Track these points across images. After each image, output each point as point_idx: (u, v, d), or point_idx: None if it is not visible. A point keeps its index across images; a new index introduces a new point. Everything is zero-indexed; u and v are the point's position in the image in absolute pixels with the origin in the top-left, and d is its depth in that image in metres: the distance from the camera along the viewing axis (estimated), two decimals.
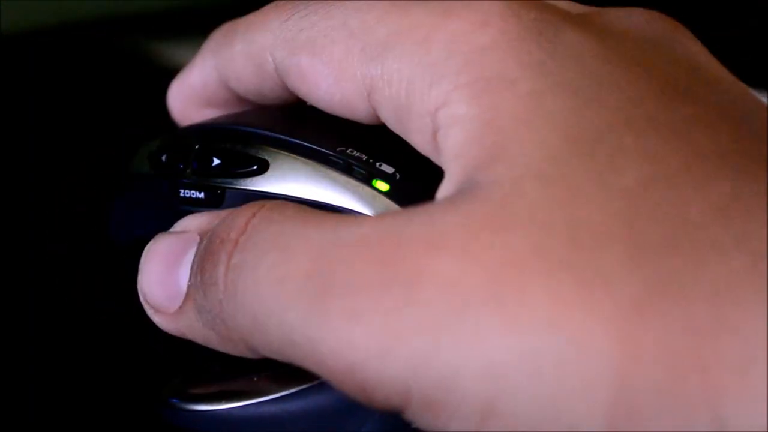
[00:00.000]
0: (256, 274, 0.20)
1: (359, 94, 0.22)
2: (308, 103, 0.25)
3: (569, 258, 0.17)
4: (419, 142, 0.21)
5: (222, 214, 0.22)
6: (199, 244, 0.22)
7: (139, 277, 0.23)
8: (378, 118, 0.22)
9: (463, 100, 0.20)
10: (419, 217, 0.19)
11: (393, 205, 0.22)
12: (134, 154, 0.27)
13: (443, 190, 0.20)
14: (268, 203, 0.21)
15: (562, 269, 0.17)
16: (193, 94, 0.27)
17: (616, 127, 0.19)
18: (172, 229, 0.23)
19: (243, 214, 0.21)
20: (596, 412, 0.17)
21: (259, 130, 0.24)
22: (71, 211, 0.40)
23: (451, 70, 0.20)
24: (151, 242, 0.23)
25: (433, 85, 0.20)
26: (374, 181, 0.22)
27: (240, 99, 0.26)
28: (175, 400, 0.24)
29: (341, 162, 0.23)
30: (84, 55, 0.60)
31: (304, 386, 0.23)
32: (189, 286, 0.22)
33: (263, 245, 0.20)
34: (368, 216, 0.20)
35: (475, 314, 0.18)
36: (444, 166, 0.20)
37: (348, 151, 0.23)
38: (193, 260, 0.22)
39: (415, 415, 0.18)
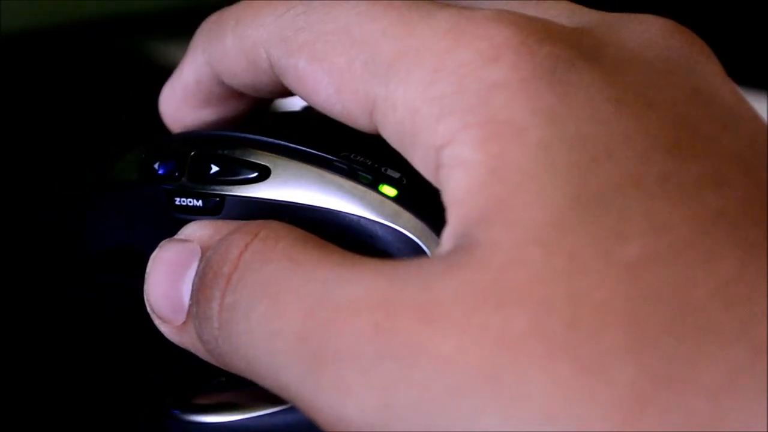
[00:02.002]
0: (248, 323, 0.20)
1: (361, 109, 0.21)
2: (306, 107, 0.24)
3: (568, 340, 0.17)
4: (422, 169, 0.20)
5: (223, 229, 0.22)
6: (199, 262, 0.22)
7: (146, 286, 0.22)
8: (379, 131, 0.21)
9: (469, 143, 0.19)
10: (414, 281, 0.18)
11: (402, 211, 0.22)
12: (115, 161, 0.27)
13: (443, 240, 0.19)
14: (261, 231, 0.21)
15: (561, 353, 0.17)
16: (187, 94, 0.26)
17: (624, 189, 0.18)
18: (177, 235, 0.23)
19: (235, 245, 0.21)
20: None
21: (257, 136, 0.24)
22: (45, 216, 0.40)
23: (459, 107, 0.19)
24: (157, 249, 0.22)
25: (441, 121, 0.19)
26: (381, 186, 0.22)
27: (237, 94, 0.25)
28: (177, 412, 0.24)
29: (346, 167, 0.22)
30: (84, 55, 0.60)
31: None
32: (189, 307, 0.22)
33: (255, 290, 0.20)
34: (361, 265, 0.19)
35: (470, 398, 0.17)
36: (446, 207, 0.20)
37: (352, 156, 0.23)
38: (192, 282, 0.22)
39: None
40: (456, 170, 0.19)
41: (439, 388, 0.17)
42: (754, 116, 0.21)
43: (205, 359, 0.22)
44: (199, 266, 0.22)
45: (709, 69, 0.21)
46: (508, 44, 0.20)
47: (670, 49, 0.21)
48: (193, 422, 0.24)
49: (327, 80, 0.21)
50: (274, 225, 0.21)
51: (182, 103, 0.26)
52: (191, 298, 0.21)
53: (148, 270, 0.23)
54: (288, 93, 0.24)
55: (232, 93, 0.25)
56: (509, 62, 0.19)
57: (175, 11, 0.63)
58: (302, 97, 0.22)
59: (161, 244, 0.23)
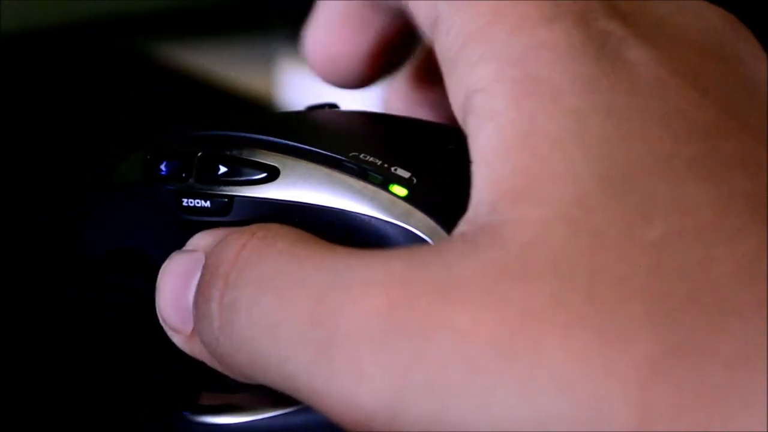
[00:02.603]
0: (251, 317, 0.19)
1: (426, 17, 0.21)
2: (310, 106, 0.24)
3: (588, 313, 0.17)
4: (454, 107, 0.20)
5: (224, 234, 0.21)
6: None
7: (156, 298, 0.22)
8: None
9: (504, 96, 0.19)
10: (432, 260, 0.18)
11: (413, 210, 0.21)
12: (118, 161, 0.27)
13: (472, 200, 0.19)
14: (259, 231, 0.21)
15: (581, 324, 0.17)
16: (342, 20, 0.25)
17: (654, 169, 0.18)
18: (185, 247, 0.23)
19: (232, 244, 0.21)
20: None
21: (265, 137, 0.24)
22: (46, 216, 0.40)
23: (504, 55, 0.19)
24: (166, 261, 0.22)
25: (481, 63, 0.20)
26: (391, 185, 0.22)
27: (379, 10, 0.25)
28: (187, 413, 0.24)
29: (355, 167, 0.22)
30: (84, 55, 0.60)
31: None
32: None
33: (257, 286, 0.20)
34: (372, 253, 0.19)
35: (487, 371, 0.17)
36: (472, 160, 0.19)
37: (361, 156, 0.22)
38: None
39: None
40: (487, 123, 0.19)
41: (455, 365, 0.17)
42: None
43: (214, 367, 0.21)
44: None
45: (758, 62, 0.21)
46: (569, 11, 0.20)
47: (723, 38, 0.21)
48: (203, 423, 0.23)
49: None
50: (273, 226, 0.21)
51: (339, 31, 0.25)
52: (192, 303, 0.21)
53: (157, 282, 0.22)
54: None
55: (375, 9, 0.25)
56: (564, 28, 0.19)
57: (175, 11, 0.63)
58: None
59: (171, 256, 0.22)
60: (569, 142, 0.18)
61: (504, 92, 0.19)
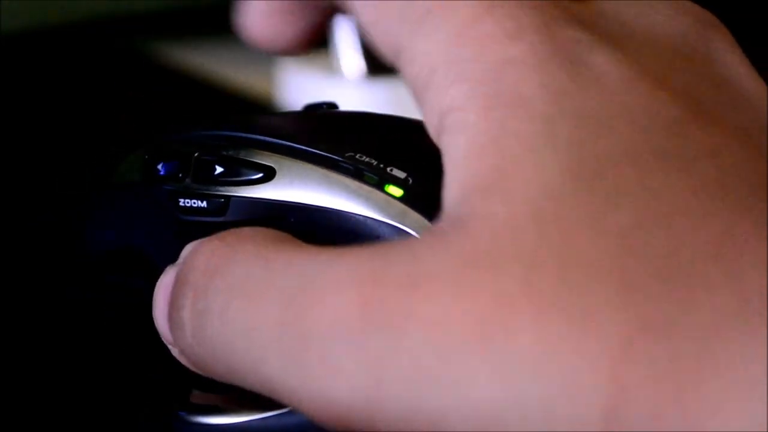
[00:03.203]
0: (222, 324, 0.19)
1: (389, 49, 0.21)
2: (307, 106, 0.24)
3: (559, 296, 0.17)
4: (428, 128, 0.21)
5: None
6: None
7: (153, 311, 0.22)
8: None
9: (475, 110, 0.19)
10: (401, 254, 0.18)
11: (408, 211, 0.21)
12: (117, 162, 0.27)
13: (443, 202, 0.19)
14: (228, 236, 0.21)
15: (552, 307, 0.17)
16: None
17: (621, 161, 0.18)
18: (179, 260, 0.23)
19: (202, 251, 0.21)
20: None
21: (262, 137, 0.24)
22: (46, 216, 0.40)
23: (473, 75, 0.20)
24: (162, 275, 0.22)
25: (452, 86, 0.20)
26: (386, 186, 0.22)
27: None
28: (183, 413, 0.24)
29: (351, 167, 0.22)
30: (84, 55, 0.60)
31: None
32: None
33: (227, 292, 0.20)
34: (340, 251, 0.19)
35: (461, 360, 0.17)
36: (445, 170, 0.20)
37: (357, 157, 0.22)
38: None
39: None
40: (458, 135, 0.19)
41: (429, 355, 0.17)
42: None
43: (204, 375, 0.21)
44: None
45: (729, 57, 0.21)
46: (532, 24, 0.20)
47: (691, 36, 0.21)
48: (199, 424, 0.24)
49: (369, 8, 0.21)
50: (244, 229, 0.21)
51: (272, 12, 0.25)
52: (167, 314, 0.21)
53: (154, 296, 0.22)
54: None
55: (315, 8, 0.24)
56: (529, 41, 0.20)
57: (175, 11, 0.63)
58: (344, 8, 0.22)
59: (165, 270, 0.22)
60: (538, 142, 0.19)
61: (474, 107, 0.19)
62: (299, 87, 0.55)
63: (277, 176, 0.23)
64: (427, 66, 0.20)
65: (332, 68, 0.49)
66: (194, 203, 0.24)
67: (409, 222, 0.21)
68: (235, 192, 0.23)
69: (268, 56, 0.59)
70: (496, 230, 0.18)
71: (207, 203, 0.23)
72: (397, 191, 0.22)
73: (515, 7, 0.20)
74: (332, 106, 0.26)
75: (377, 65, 0.40)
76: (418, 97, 0.21)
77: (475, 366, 0.17)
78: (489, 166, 0.19)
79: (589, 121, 0.19)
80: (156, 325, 0.22)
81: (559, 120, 0.19)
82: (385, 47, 0.21)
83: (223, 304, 0.20)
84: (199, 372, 0.21)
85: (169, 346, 0.22)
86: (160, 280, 0.22)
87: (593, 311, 0.17)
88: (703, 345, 0.17)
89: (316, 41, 0.26)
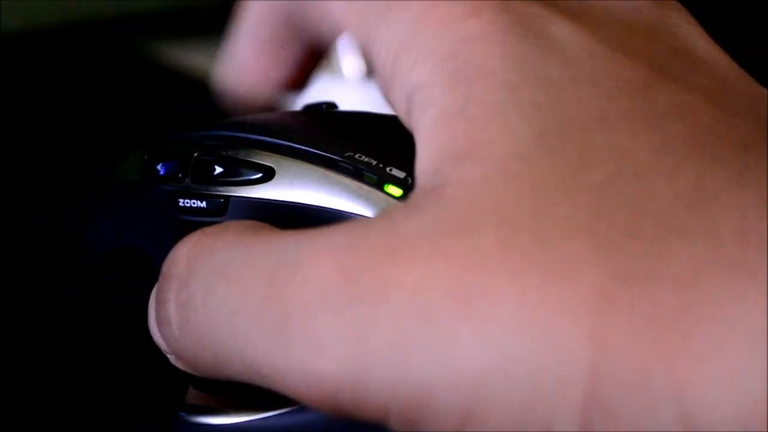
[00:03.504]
0: (207, 309, 0.19)
1: (360, 44, 0.22)
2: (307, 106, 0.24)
3: (535, 253, 0.17)
4: (398, 113, 0.21)
5: None
6: None
7: (149, 317, 0.22)
8: None
9: (440, 85, 0.20)
10: (378, 224, 0.18)
11: None
12: (117, 162, 0.27)
13: (416, 175, 0.20)
14: (207, 230, 0.21)
15: (529, 266, 0.17)
16: (262, 39, 0.26)
17: (588, 124, 0.19)
18: None
19: (183, 245, 0.21)
20: (571, 412, 0.17)
21: (261, 137, 0.24)
22: (45, 217, 0.40)
23: (435, 54, 0.20)
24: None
25: (416, 66, 0.20)
26: (386, 186, 0.22)
27: (301, 37, 0.26)
28: (182, 413, 0.24)
29: (351, 167, 0.22)
30: (84, 55, 0.60)
31: None
32: None
33: (210, 278, 0.20)
34: (320, 229, 0.19)
35: (443, 323, 0.17)
36: (416, 145, 0.20)
37: (357, 156, 0.22)
38: None
39: (395, 427, 0.18)
40: (426, 110, 0.20)
41: (412, 321, 0.17)
42: (735, 67, 0.21)
43: (194, 372, 0.21)
44: None
45: (690, 31, 0.22)
46: (488, 1, 0.20)
47: (651, 12, 0.22)
48: (199, 424, 0.23)
49: (340, 10, 0.22)
50: (226, 222, 0.21)
51: (260, 52, 0.26)
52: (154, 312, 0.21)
53: (149, 301, 0.22)
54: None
55: (297, 35, 0.26)
56: (488, 17, 0.20)
57: (175, 11, 0.63)
58: (318, 18, 0.23)
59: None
60: (505, 109, 0.19)
61: (439, 82, 0.20)
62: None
63: (276, 176, 0.23)
64: (391, 54, 0.21)
65: (332, 68, 0.49)
66: (194, 203, 0.24)
67: None
68: (235, 192, 0.23)
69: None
70: (470, 194, 0.18)
71: (206, 203, 0.23)
72: (396, 191, 0.22)
73: None
74: (332, 106, 0.26)
75: None
76: (386, 86, 0.21)
77: (456, 329, 0.17)
78: (458, 135, 0.19)
79: (552, 87, 0.19)
80: (150, 330, 0.22)
81: (522, 87, 0.19)
82: (358, 46, 0.22)
83: (205, 291, 0.20)
84: (189, 369, 0.21)
85: (165, 353, 0.22)
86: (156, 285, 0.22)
87: (570, 266, 0.17)
88: (681, 296, 0.17)
89: (303, 80, 0.26)
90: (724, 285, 0.17)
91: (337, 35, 0.23)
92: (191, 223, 0.23)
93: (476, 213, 0.18)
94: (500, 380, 0.17)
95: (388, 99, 0.21)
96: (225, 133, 0.24)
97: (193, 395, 0.24)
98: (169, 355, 0.22)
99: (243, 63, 0.27)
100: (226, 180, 0.23)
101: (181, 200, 0.24)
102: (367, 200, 0.22)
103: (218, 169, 0.23)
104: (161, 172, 0.24)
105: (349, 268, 0.18)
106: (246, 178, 0.23)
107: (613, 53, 0.20)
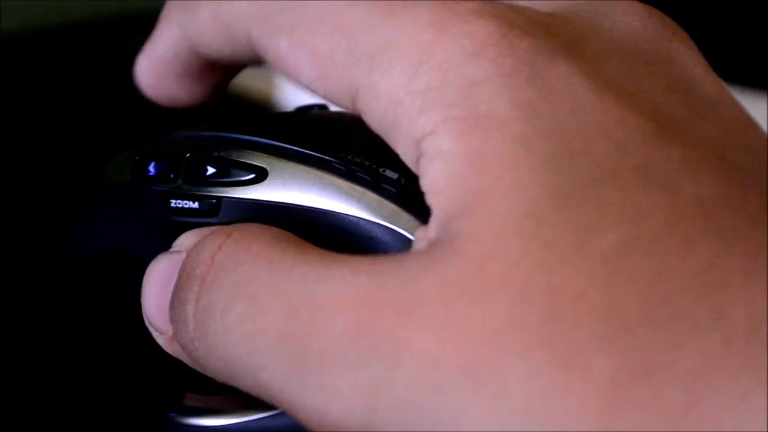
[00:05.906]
0: (225, 323, 0.20)
1: (345, 96, 0.21)
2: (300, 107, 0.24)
3: (546, 332, 0.17)
4: (404, 158, 0.21)
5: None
6: None
7: (142, 299, 0.23)
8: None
9: (449, 135, 0.19)
10: (396, 276, 0.18)
11: (400, 212, 0.21)
12: (105, 163, 0.26)
13: (426, 232, 0.19)
14: (234, 232, 0.21)
15: (539, 346, 0.17)
16: (167, 67, 0.26)
17: (600, 180, 0.18)
18: (171, 248, 0.23)
19: (208, 246, 0.21)
20: None
21: (253, 138, 0.23)
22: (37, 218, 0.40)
23: (441, 101, 0.19)
24: (153, 262, 0.22)
25: (422, 114, 0.20)
26: (379, 186, 0.22)
27: (218, 65, 0.25)
28: (174, 415, 0.24)
29: (343, 168, 0.22)
30: (84, 55, 0.60)
31: None
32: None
33: (231, 291, 0.20)
34: (339, 261, 0.19)
35: (453, 397, 0.17)
36: (426, 197, 0.20)
37: (350, 157, 0.22)
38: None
39: None
40: (435, 161, 0.19)
41: (423, 388, 0.17)
42: (734, 104, 0.21)
43: (193, 367, 0.22)
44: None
45: (689, 58, 0.21)
46: (490, 40, 0.20)
47: (651, 38, 0.21)
48: (190, 425, 0.23)
49: (309, 65, 0.21)
50: (249, 226, 0.21)
51: (163, 75, 0.26)
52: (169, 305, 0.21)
53: (143, 282, 0.23)
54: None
55: (213, 64, 0.25)
56: (490, 58, 0.20)
57: None
58: (285, 75, 0.22)
59: (156, 257, 0.23)
60: (517, 162, 0.18)
61: (448, 132, 0.19)
62: (298, 87, 0.55)
63: (269, 177, 0.23)
64: (392, 100, 0.20)
65: None
66: (186, 204, 0.23)
67: (402, 223, 0.21)
68: (227, 193, 0.23)
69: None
70: (482, 252, 0.18)
71: (198, 204, 0.23)
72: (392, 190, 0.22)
73: (468, 22, 0.20)
74: (322, 107, 0.26)
75: None
76: (388, 132, 0.21)
77: (468, 404, 0.17)
78: (470, 189, 0.19)
79: (564, 138, 0.19)
80: (144, 315, 0.22)
81: (535, 139, 0.19)
82: (338, 95, 0.21)
83: (226, 304, 0.20)
84: (196, 368, 0.21)
85: (156, 336, 0.22)
86: (150, 266, 0.22)
87: (580, 352, 0.17)
88: (690, 391, 0.16)
89: (218, 93, 0.26)
90: (731, 384, 0.16)
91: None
92: (183, 224, 0.23)
93: (488, 276, 0.18)
94: None
95: (392, 144, 0.21)
96: (217, 133, 0.24)
97: (186, 396, 0.24)
98: (158, 337, 0.22)
99: (146, 78, 0.27)
100: (218, 181, 0.23)
101: (173, 201, 0.24)
102: (360, 201, 0.22)
103: (210, 170, 0.23)
104: (152, 173, 0.24)
105: (367, 325, 0.18)
106: (238, 179, 0.23)
107: (619, 96, 0.19)
